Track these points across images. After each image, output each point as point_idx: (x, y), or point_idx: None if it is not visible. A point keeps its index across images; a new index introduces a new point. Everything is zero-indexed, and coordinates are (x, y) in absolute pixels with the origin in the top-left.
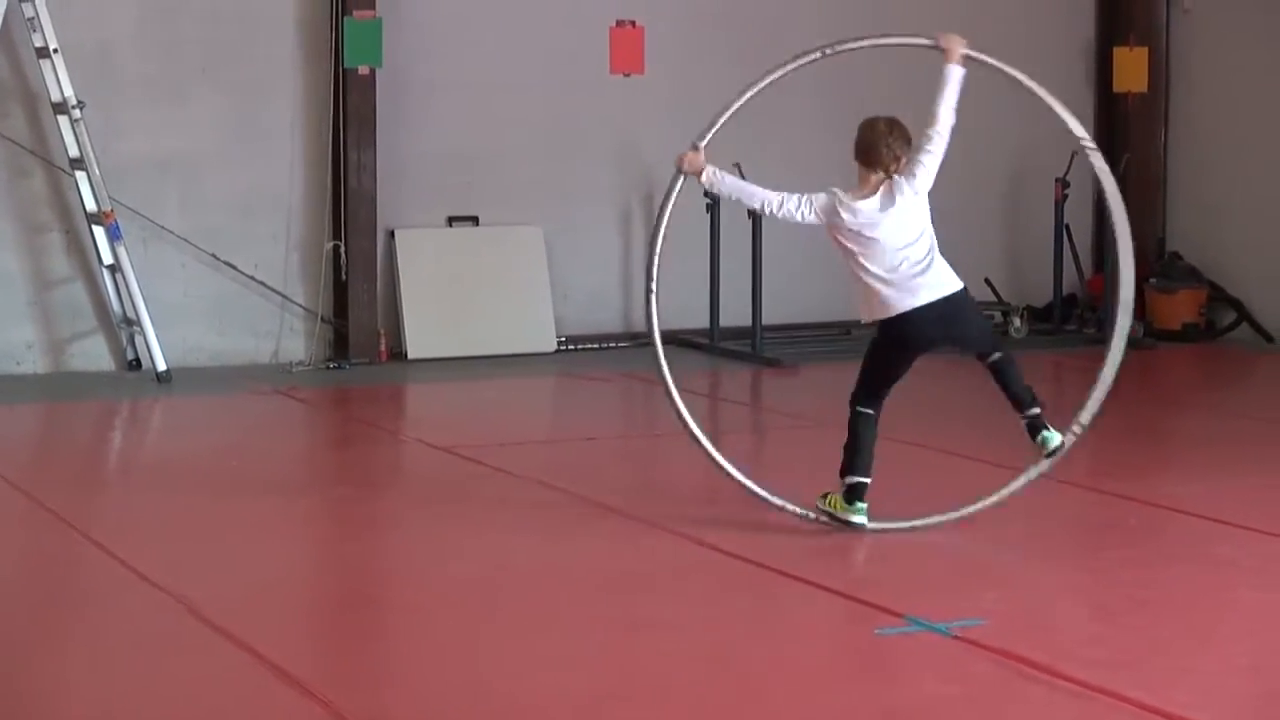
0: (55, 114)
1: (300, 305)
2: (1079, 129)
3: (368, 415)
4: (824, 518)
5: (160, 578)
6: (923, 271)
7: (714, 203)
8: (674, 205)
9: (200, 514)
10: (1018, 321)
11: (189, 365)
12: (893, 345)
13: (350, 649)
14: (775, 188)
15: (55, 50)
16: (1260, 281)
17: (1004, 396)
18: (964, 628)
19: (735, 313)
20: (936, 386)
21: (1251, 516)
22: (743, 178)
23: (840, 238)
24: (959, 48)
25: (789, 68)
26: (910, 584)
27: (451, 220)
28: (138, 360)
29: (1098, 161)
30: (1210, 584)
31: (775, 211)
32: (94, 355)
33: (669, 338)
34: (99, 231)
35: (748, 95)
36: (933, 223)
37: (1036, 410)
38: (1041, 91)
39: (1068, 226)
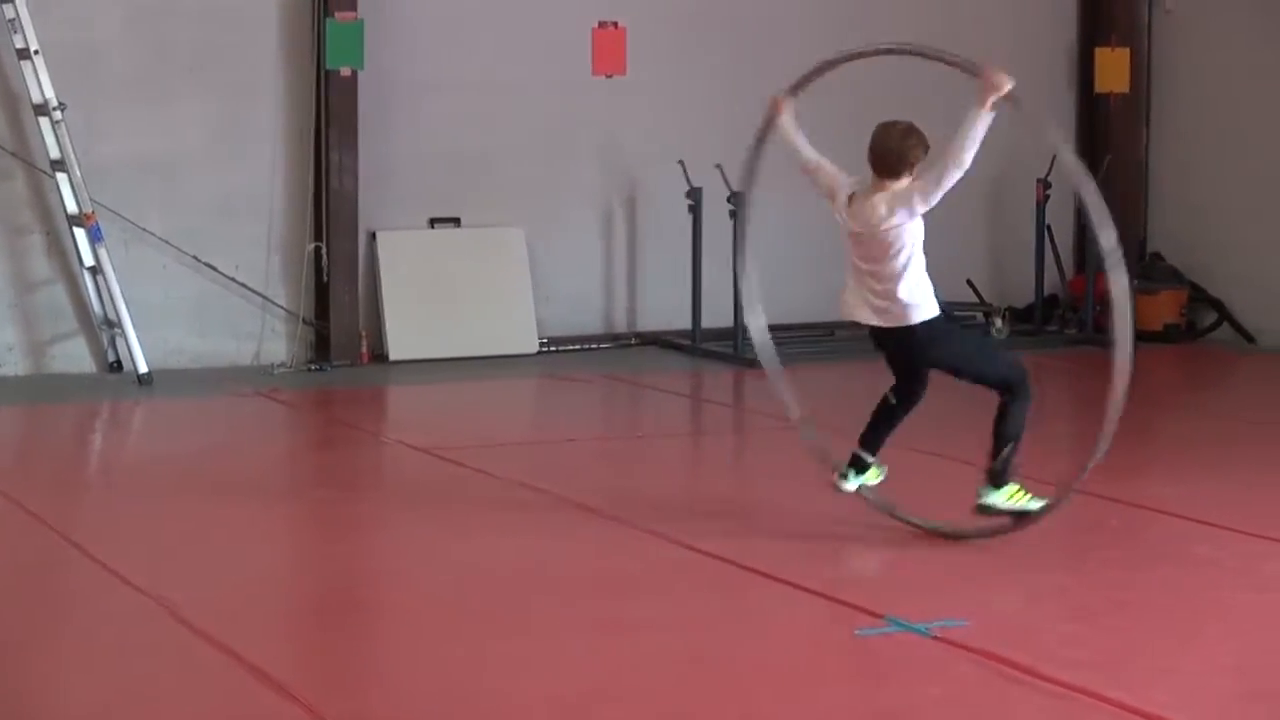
0: (36, 115)
1: (281, 307)
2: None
3: (349, 417)
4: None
5: (141, 581)
6: (883, 295)
7: (696, 203)
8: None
9: (182, 517)
10: (999, 322)
11: (170, 367)
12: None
13: (332, 651)
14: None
15: (36, 52)
16: (1241, 282)
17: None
18: (944, 628)
19: (717, 313)
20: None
21: (1233, 517)
22: (725, 178)
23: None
24: (1002, 88)
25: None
26: (891, 585)
27: (433, 222)
28: (119, 362)
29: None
30: (1191, 585)
31: (811, 172)
32: (75, 357)
33: (650, 339)
34: (80, 233)
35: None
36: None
37: (997, 466)
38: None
39: (1049, 227)
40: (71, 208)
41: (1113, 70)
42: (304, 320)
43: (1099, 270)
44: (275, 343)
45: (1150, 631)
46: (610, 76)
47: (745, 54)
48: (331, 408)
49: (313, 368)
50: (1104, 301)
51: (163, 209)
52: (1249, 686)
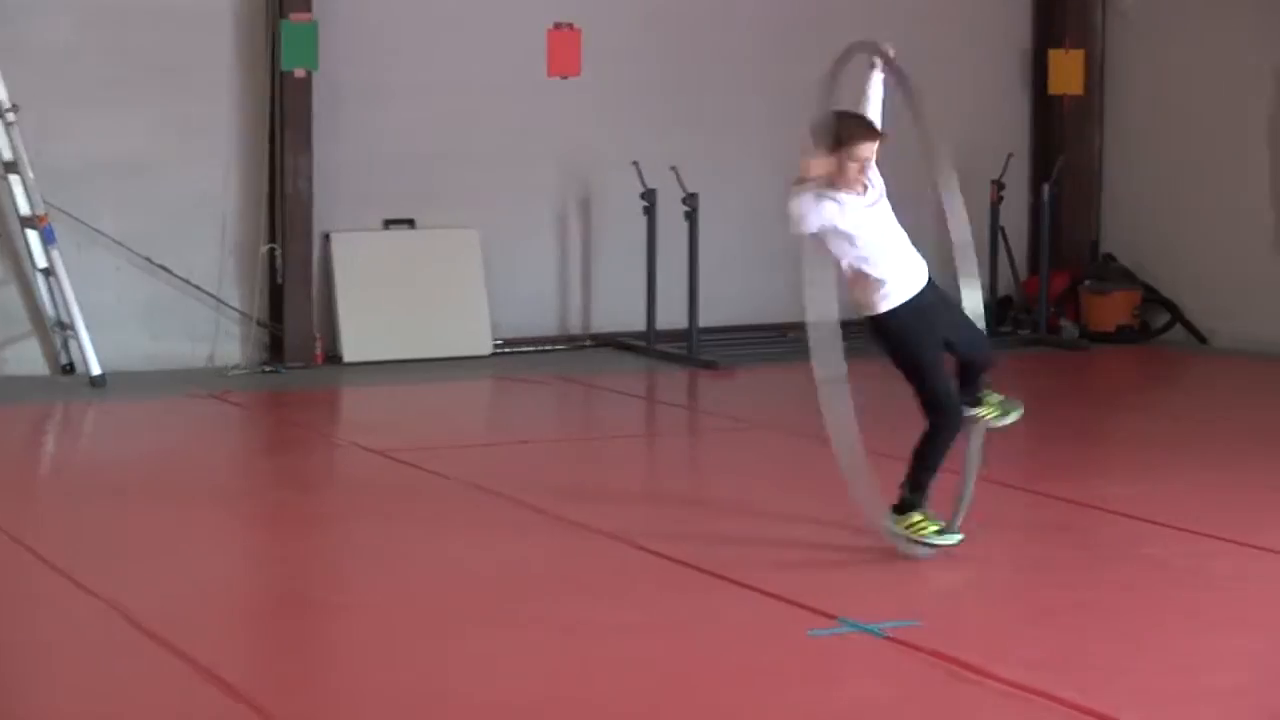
0: None
1: (235, 309)
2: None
3: (303, 419)
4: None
5: (94, 584)
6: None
7: (651, 205)
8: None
9: (135, 519)
10: None
11: (123, 369)
12: None
13: (285, 653)
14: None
15: None
16: (1193, 283)
17: None
18: (897, 629)
19: (671, 315)
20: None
21: (1184, 517)
22: (679, 180)
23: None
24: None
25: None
26: (844, 586)
27: (388, 223)
28: (72, 364)
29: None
30: (1143, 585)
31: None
32: (27, 359)
33: (605, 340)
34: (33, 235)
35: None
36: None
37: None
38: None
39: (1003, 229)
40: (24, 209)
41: (1066, 72)
42: (258, 322)
43: (1053, 271)
44: (229, 345)
45: (1102, 631)
46: (565, 78)
47: (701, 55)
48: (285, 410)
49: (267, 370)
50: (1058, 302)
51: (116, 211)
52: (1199, 685)
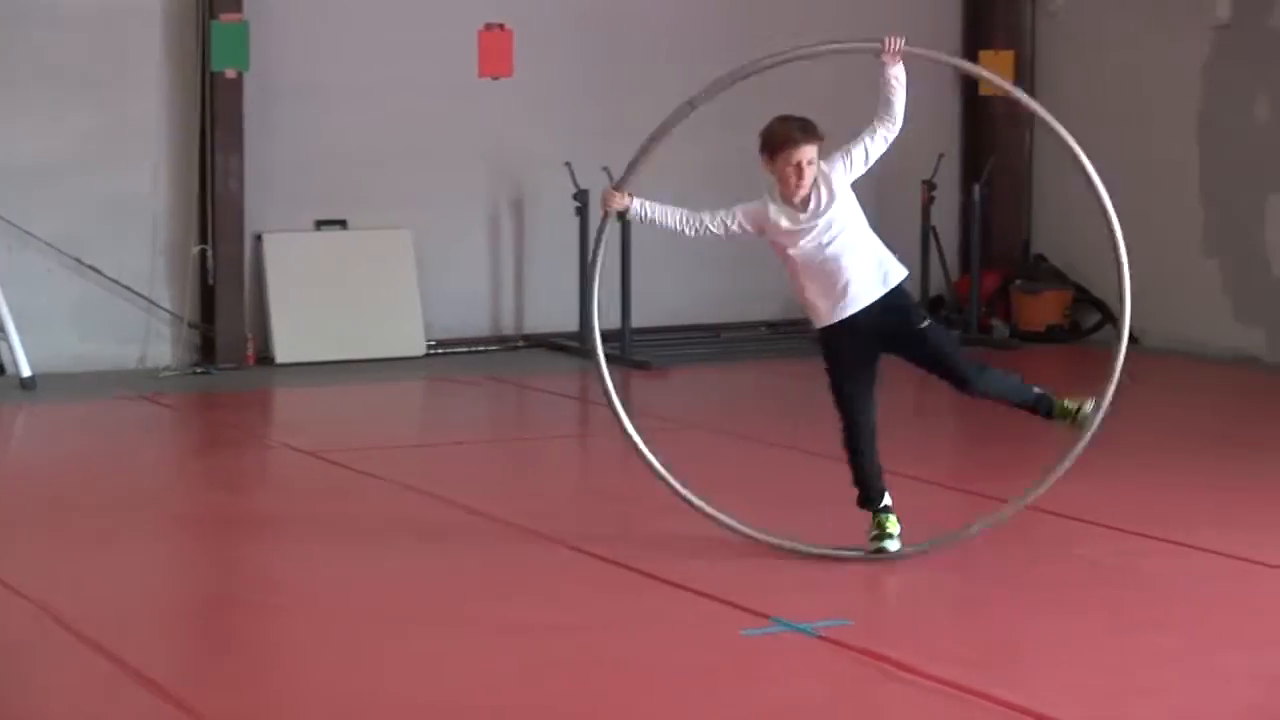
0: None
1: (166, 310)
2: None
3: (235, 420)
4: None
5: (22, 585)
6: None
7: (583, 205)
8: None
9: (65, 521)
10: None
11: (54, 371)
12: None
13: (213, 654)
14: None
15: None
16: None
17: None
18: (829, 628)
19: (604, 315)
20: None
21: (1114, 515)
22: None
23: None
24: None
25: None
26: (776, 585)
27: (319, 224)
28: (2, 366)
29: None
30: (1074, 583)
31: (722, 232)
32: None
33: (538, 341)
34: None
35: (661, 130)
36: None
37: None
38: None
39: (934, 229)
40: None
41: (996, 73)
42: (189, 323)
43: (984, 271)
44: (160, 346)
45: (1033, 629)
46: (497, 78)
47: (633, 56)
48: (217, 411)
49: (198, 371)
50: (989, 302)
51: (46, 212)
52: (1131, 683)
